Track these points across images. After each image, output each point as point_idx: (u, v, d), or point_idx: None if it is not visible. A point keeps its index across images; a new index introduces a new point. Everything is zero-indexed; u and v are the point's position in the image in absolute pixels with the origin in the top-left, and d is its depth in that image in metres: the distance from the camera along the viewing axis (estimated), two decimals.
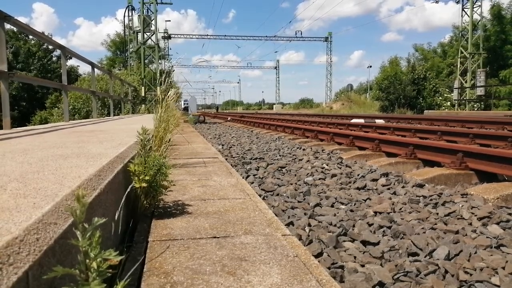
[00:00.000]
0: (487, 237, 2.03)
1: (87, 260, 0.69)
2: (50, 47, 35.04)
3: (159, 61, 23.24)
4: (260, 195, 2.84)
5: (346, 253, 1.89)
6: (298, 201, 2.81)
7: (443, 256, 1.80)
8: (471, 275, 1.63)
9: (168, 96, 2.74)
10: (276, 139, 7.64)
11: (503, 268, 1.68)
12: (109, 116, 10.30)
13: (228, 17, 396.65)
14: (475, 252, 1.85)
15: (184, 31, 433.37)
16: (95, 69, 8.47)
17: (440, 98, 25.37)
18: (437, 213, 2.47)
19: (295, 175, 3.82)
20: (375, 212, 2.53)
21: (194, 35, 59.02)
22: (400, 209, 2.60)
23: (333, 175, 3.74)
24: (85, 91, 12.87)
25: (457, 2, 24.58)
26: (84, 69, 57.30)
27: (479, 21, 24.55)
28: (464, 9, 24.31)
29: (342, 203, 2.76)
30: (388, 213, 2.50)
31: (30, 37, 35.27)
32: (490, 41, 29.29)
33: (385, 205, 2.64)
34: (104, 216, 0.80)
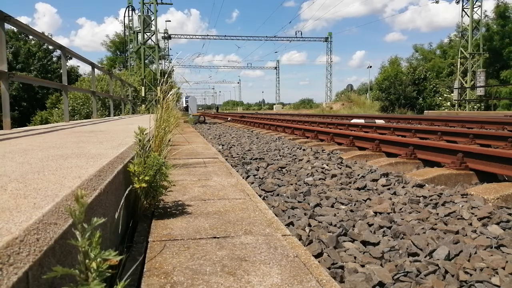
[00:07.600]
0: (487, 237, 2.03)
1: (87, 260, 0.69)
2: (50, 47, 35.08)
3: (159, 62, 23.24)
4: (260, 195, 2.84)
5: (346, 253, 1.89)
6: (298, 201, 2.81)
7: (443, 256, 1.80)
8: (471, 275, 1.63)
9: (168, 96, 2.74)
10: (276, 139, 7.64)
11: (503, 268, 1.68)
12: (110, 116, 10.30)
13: (231, 17, 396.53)
14: (475, 252, 1.85)
15: (188, 31, 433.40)
16: (95, 69, 8.47)
17: (440, 98, 25.37)
18: (437, 213, 2.47)
19: (295, 175, 3.81)
20: (375, 212, 2.53)
21: (195, 35, 59.08)
22: (400, 209, 2.60)
23: (333, 175, 3.74)
24: (85, 91, 12.89)
25: (457, 2, 24.60)
26: (84, 69, 57.38)
27: (479, 21, 24.55)
28: (464, 9, 24.32)
29: (342, 203, 2.76)
30: (388, 213, 2.50)
31: (30, 37, 35.28)
32: (493, 41, 29.24)
33: (385, 205, 2.64)
34: (104, 216, 0.80)
